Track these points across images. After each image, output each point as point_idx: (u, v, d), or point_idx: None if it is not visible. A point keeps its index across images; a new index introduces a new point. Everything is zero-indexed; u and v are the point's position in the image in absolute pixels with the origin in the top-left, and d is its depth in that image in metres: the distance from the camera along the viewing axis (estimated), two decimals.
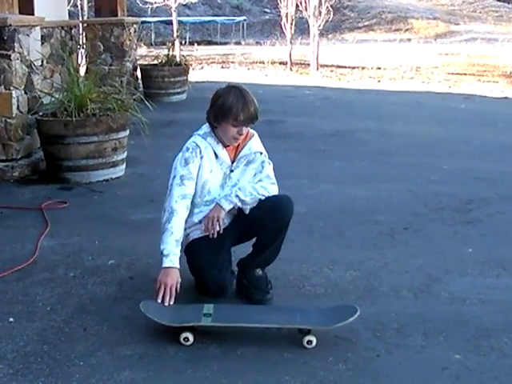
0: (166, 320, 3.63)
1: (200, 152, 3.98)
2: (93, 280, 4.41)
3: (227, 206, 3.99)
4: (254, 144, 4.12)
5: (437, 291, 4.30)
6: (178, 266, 3.83)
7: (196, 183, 4.00)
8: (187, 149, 4.00)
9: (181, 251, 3.97)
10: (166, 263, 3.80)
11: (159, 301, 3.74)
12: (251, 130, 4.13)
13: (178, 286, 3.80)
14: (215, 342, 3.58)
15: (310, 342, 3.55)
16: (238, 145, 4.07)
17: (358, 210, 6.05)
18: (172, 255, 3.81)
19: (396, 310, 4.00)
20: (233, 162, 4.07)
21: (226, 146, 4.04)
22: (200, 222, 4.08)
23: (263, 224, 3.99)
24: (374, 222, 5.73)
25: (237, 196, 3.99)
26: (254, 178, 4.13)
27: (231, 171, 4.08)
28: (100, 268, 4.62)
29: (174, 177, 3.97)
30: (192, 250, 4.09)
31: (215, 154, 4.01)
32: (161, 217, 3.96)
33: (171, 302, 3.75)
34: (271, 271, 4.23)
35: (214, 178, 4.04)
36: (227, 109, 3.89)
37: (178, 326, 3.58)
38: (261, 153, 4.14)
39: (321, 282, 4.40)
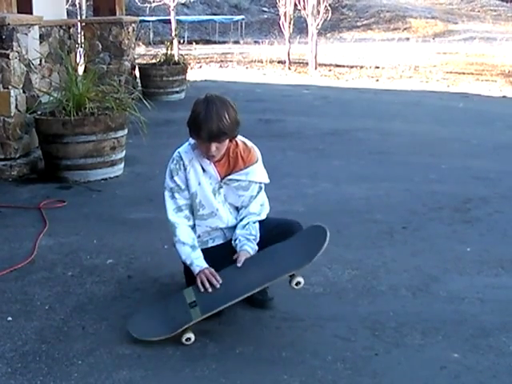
0: (159, 333, 3.60)
1: (183, 164, 3.85)
2: (91, 279, 4.41)
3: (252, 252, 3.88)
4: (254, 173, 3.92)
5: (435, 290, 4.30)
6: (206, 265, 3.77)
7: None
8: (172, 160, 3.89)
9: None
10: (196, 270, 3.76)
11: (209, 290, 3.65)
12: (256, 154, 3.94)
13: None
14: (213, 341, 3.58)
15: (298, 283, 3.58)
16: (235, 165, 3.88)
17: (356, 209, 6.05)
18: (195, 260, 3.78)
19: (394, 309, 4.00)
20: (223, 178, 3.89)
21: (214, 163, 3.85)
22: (199, 236, 3.98)
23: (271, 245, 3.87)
24: (373, 221, 5.73)
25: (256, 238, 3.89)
26: (250, 202, 3.98)
27: (220, 187, 3.91)
28: (98, 267, 4.62)
29: (165, 188, 3.92)
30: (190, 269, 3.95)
31: (202, 167, 3.86)
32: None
33: (219, 283, 3.67)
34: None
35: (203, 191, 3.88)
36: (191, 124, 3.71)
37: (175, 334, 3.56)
38: (256, 182, 3.95)
39: (319, 281, 4.40)
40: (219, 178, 3.89)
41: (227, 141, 3.76)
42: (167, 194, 3.91)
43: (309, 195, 6.47)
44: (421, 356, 3.48)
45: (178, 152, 3.91)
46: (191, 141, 3.91)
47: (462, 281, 4.48)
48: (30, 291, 4.22)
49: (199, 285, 3.69)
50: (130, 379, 3.23)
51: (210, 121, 3.61)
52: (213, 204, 3.91)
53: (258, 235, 3.90)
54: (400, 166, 7.89)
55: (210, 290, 3.66)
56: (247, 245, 3.84)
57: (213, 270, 3.74)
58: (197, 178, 3.86)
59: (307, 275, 4.45)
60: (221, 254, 3.92)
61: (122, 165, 7.27)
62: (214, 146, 3.70)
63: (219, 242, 4.02)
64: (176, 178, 3.86)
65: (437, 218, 5.83)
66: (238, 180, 3.91)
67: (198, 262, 3.78)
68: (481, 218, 5.86)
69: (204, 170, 3.87)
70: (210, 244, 4.02)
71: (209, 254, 3.93)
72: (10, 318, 3.86)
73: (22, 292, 4.21)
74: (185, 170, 3.85)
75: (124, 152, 7.26)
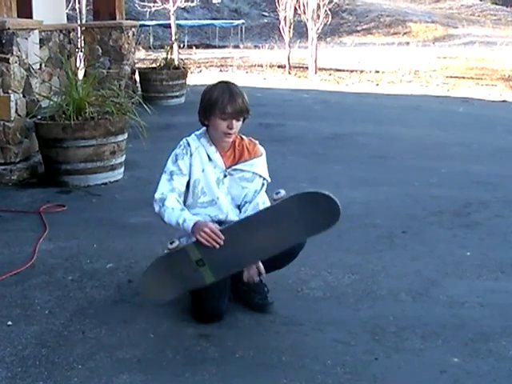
0: (172, 293, 3.74)
1: (190, 150, 3.92)
2: (91, 283, 4.41)
3: None
4: (258, 165, 4.03)
5: (435, 295, 4.30)
6: (197, 218, 3.76)
7: (188, 182, 3.94)
8: (179, 146, 3.97)
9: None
10: (190, 224, 3.69)
11: (217, 247, 3.63)
12: (261, 149, 4.06)
13: (214, 226, 3.70)
14: (214, 346, 3.58)
15: (278, 192, 3.64)
16: (240, 156, 3.99)
17: (356, 214, 6.04)
18: (187, 216, 3.73)
19: (394, 314, 4.00)
20: (228, 168, 3.98)
21: (221, 152, 3.96)
22: None
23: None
24: (373, 225, 5.73)
25: None
26: (254, 197, 4.03)
27: (225, 176, 3.99)
28: (98, 271, 4.62)
29: (165, 172, 3.94)
30: None
31: (208, 155, 3.94)
32: (154, 209, 3.86)
33: (222, 239, 3.63)
34: (269, 274, 4.21)
35: (207, 178, 3.94)
36: (213, 102, 3.83)
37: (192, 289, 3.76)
38: (260, 176, 4.04)
39: (319, 286, 4.40)
40: (224, 167, 3.97)
41: (241, 123, 3.90)
42: (165, 177, 3.92)
43: None
44: (421, 360, 3.48)
45: (186, 139, 3.99)
46: (197, 132, 4.02)
47: (461, 285, 4.48)
48: (30, 295, 4.22)
49: (205, 242, 3.63)
50: (130, 383, 3.23)
51: (236, 97, 3.82)
52: (214, 192, 3.96)
53: None
54: (400, 170, 7.90)
55: (217, 246, 3.64)
56: None
57: (209, 222, 3.73)
58: (201, 164, 3.93)
59: (307, 280, 4.48)
60: None
61: (122, 169, 7.28)
62: (235, 123, 3.84)
63: None
64: (180, 162, 3.91)
65: (437, 223, 5.83)
66: (242, 170, 3.99)
67: (191, 217, 3.75)
68: (481, 222, 5.86)
69: (210, 159, 3.95)
70: None
71: None
72: (10, 323, 3.86)
73: (22, 296, 4.21)
74: (190, 155, 3.92)
75: (124, 156, 7.27)
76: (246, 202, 4.04)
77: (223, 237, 3.65)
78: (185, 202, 3.97)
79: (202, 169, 3.95)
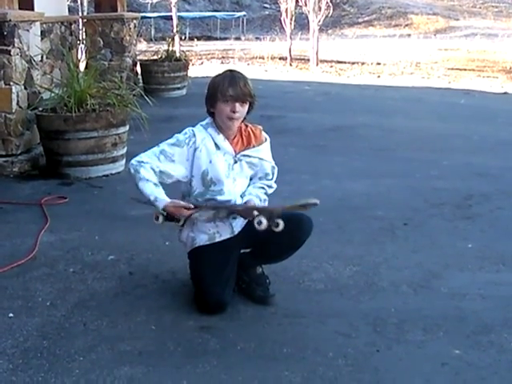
0: None
1: (194, 142, 3.90)
2: (93, 275, 4.41)
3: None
4: (264, 151, 4.08)
5: (436, 286, 4.30)
6: (168, 199, 3.87)
7: (193, 175, 3.93)
8: (184, 133, 3.95)
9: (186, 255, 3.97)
10: (161, 205, 3.87)
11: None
12: (264, 134, 4.12)
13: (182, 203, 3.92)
14: (215, 338, 3.58)
15: (260, 222, 3.70)
16: (249, 141, 4.02)
17: (357, 206, 6.05)
18: (158, 195, 3.87)
19: (396, 306, 4.00)
20: (237, 154, 3.99)
21: (229, 140, 3.96)
22: (209, 230, 3.99)
23: (279, 240, 3.84)
24: (374, 217, 5.73)
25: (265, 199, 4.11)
26: (266, 178, 4.16)
27: (235, 162, 3.99)
28: (100, 263, 4.62)
29: (158, 145, 3.94)
30: (197, 258, 4.01)
31: (216, 144, 3.93)
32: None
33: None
34: (271, 266, 4.23)
35: (216, 168, 3.92)
36: (216, 87, 3.88)
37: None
38: (266, 161, 4.11)
39: (320, 278, 4.40)
40: (234, 153, 3.98)
41: (246, 108, 3.94)
42: (155, 150, 3.93)
43: (310, 192, 6.45)
44: (422, 352, 3.48)
45: (192, 130, 3.97)
46: (202, 122, 4.02)
47: (463, 277, 4.48)
48: (32, 287, 4.22)
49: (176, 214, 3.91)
50: (132, 375, 3.23)
51: (238, 80, 3.89)
52: (223, 181, 3.96)
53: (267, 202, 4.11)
54: (401, 162, 7.89)
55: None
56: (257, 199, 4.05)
57: (179, 201, 3.92)
58: (208, 156, 3.92)
59: (309, 272, 4.48)
60: (228, 247, 3.96)
61: (124, 161, 7.27)
62: (238, 106, 3.87)
63: (226, 236, 4.01)
64: (176, 149, 3.91)
65: (438, 215, 5.83)
66: (250, 156, 4.03)
67: (163, 197, 3.87)
68: (482, 214, 5.85)
69: (218, 148, 3.95)
70: (218, 239, 3.99)
71: (216, 247, 3.96)
72: (11, 315, 3.86)
73: (23, 288, 4.22)
74: (195, 149, 3.91)
75: (125, 148, 7.26)
76: (258, 178, 4.16)
77: (191, 205, 3.90)
78: (195, 190, 3.98)
79: (209, 160, 3.92)
